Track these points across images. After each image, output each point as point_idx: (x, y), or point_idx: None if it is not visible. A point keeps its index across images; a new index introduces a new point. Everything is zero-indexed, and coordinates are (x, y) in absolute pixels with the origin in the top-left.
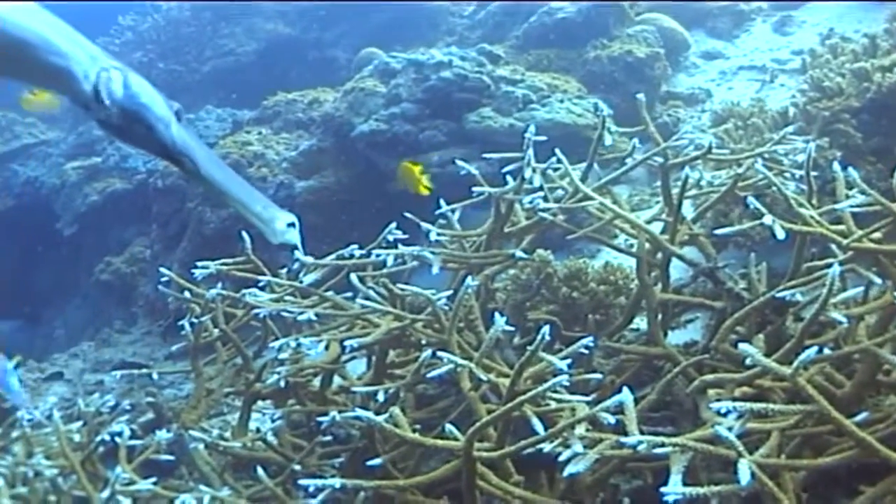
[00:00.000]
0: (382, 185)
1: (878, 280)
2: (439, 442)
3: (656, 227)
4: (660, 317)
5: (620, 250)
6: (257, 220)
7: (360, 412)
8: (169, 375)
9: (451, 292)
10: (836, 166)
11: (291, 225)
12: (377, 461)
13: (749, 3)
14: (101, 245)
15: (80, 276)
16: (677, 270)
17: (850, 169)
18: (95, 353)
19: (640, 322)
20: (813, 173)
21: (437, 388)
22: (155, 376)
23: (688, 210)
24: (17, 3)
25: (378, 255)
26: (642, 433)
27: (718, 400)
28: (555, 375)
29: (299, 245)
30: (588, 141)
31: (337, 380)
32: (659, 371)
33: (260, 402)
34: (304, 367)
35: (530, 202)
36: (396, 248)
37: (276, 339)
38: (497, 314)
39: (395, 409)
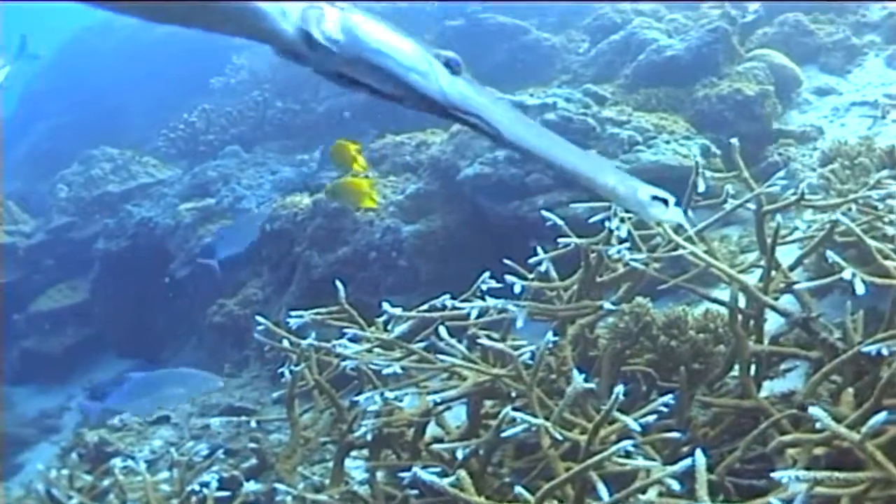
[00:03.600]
0: (489, 228)
1: None
2: None
3: (757, 273)
4: (753, 368)
5: (713, 300)
6: (612, 194)
7: (422, 474)
8: (277, 420)
9: (532, 347)
10: None
11: (662, 200)
12: None
13: (862, 37)
14: (215, 286)
15: (196, 317)
16: (779, 317)
17: None
18: (203, 397)
19: None
20: None
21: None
22: (253, 424)
23: (795, 254)
24: None
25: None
26: (726, 492)
27: (795, 460)
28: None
29: (684, 221)
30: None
31: (435, 429)
32: (758, 420)
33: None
34: (392, 420)
35: (617, 253)
36: (485, 299)
37: (374, 387)
38: (576, 371)
39: (462, 472)
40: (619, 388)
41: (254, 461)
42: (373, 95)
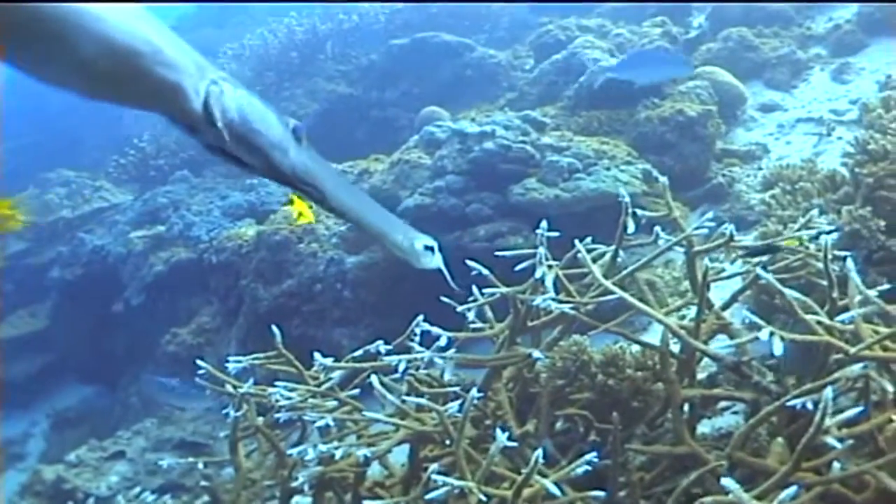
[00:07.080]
0: None
1: (890, 387)
2: None
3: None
4: (688, 409)
5: (644, 344)
6: (398, 248)
7: None
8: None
9: (459, 401)
10: (850, 263)
11: (430, 248)
12: None
13: (807, 50)
14: (169, 314)
15: (152, 344)
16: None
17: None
18: (157, 431)
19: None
20: (847, 253)
21: None
22: (200, 465)
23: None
24: (120, 3)
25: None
26: None
27: None
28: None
29: (443, 269)
30: (636, 208)
31: (380, 470)
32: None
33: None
34: (329, 470)
35: (542, 302)
36: (427, 337)
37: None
38: (499, 430)
39: None
40: (539, 452)
41: (206, 498)
42: (238, 166)
